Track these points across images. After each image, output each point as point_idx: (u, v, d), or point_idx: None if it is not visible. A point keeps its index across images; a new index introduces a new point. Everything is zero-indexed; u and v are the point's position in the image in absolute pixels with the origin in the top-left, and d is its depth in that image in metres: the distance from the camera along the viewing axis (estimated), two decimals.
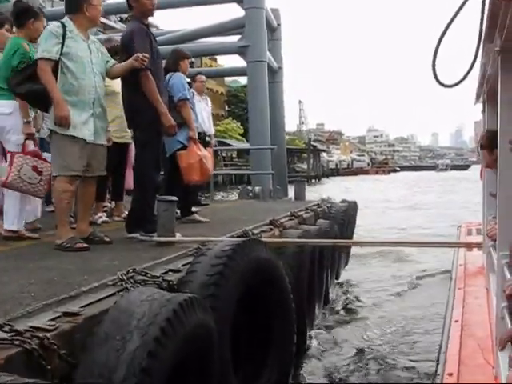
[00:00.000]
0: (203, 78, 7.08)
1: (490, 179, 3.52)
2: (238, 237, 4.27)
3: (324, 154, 63.04)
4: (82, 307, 2.17)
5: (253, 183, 9.51)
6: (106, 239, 3.81)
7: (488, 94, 3.32)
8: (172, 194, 4.00)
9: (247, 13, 10.44)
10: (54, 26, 3.59)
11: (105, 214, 5.29)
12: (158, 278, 2.72)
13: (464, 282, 3.58)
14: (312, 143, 53.13)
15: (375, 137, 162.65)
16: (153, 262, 3.08)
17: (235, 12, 11.78)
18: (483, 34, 1.80)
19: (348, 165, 69.69)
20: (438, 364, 2.38)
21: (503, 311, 1.70)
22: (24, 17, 4.16)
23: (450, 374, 2.09)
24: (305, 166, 49.83)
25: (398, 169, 77.97)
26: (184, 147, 5.29)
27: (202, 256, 2.92)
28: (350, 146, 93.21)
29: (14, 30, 4.38)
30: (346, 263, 7.88)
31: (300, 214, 6.12)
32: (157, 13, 4.32)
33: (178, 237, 3.84)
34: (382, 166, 74.17)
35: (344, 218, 7.17)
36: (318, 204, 7.53)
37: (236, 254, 2.91)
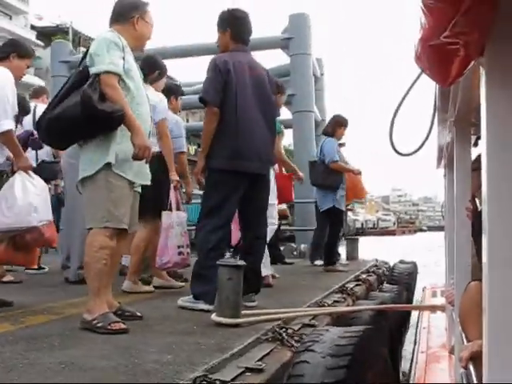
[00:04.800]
0: None
1: (451, 242, 3.34)
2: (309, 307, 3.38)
3: (350, 213, 61.89)
4: None
5: (297, 240, 8.46)
6: (138, 314, 2.89)
7: (448, 160, 3.28)
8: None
9: (292, 59, 9.69)
10: (112, 34, 2.73)
11: None
12: None
13: (427, 346, 3.51)
14: None
15: (399, 196, 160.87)
16: (221, 355, 2.13)
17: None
18: (437, 105, 1.90)
19: (374, 224, 68.27)
20: None
21: (462, 377, 1.52)
22: None
23: None
24: None
25: (425, 228, 75.97)
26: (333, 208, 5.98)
27: (306, 352, 1.95)
28: (375, 205, 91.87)
29: None
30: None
31: (366, 278, 5.29)
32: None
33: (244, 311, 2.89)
34: (407, 226, 72.40)
35: (409, 281, 6.32)
36: (376, 265, 6.70)
37: (364, 354, 1.96)
